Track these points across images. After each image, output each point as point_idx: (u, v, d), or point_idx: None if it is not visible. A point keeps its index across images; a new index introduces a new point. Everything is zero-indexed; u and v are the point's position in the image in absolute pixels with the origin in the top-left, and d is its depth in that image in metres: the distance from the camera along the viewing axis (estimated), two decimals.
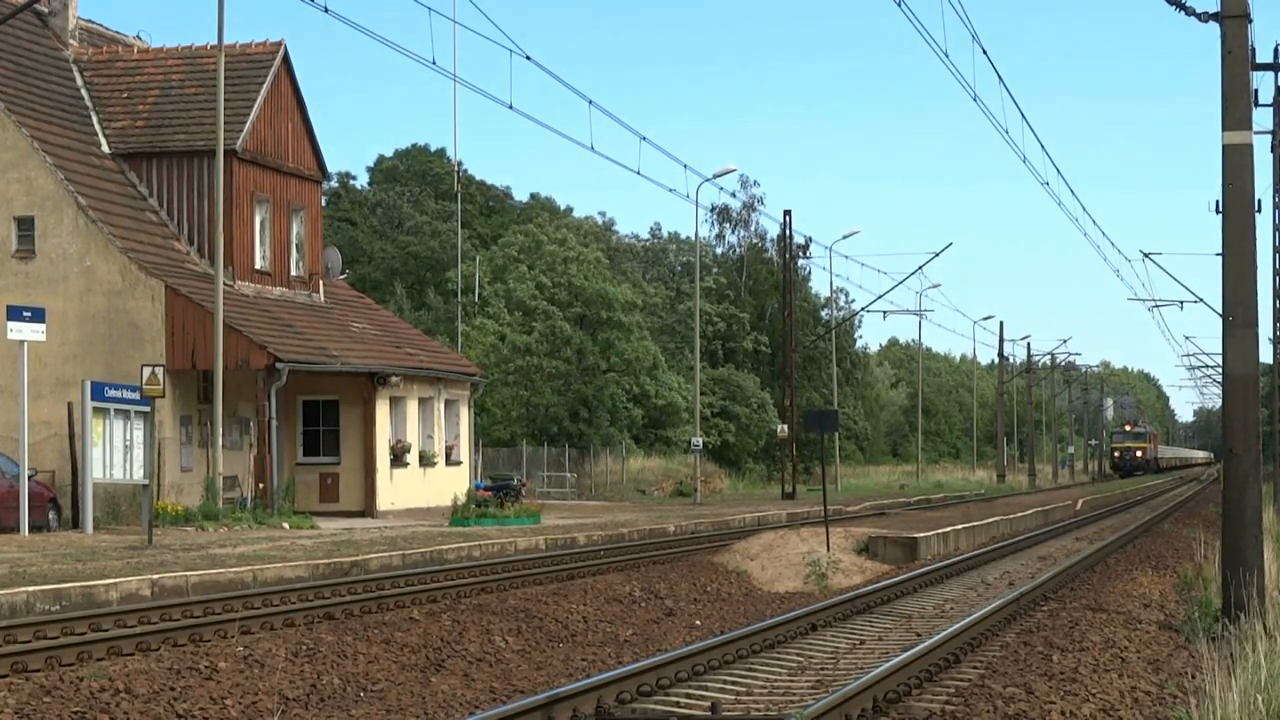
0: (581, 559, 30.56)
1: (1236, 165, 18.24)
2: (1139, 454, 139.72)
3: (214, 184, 41.28)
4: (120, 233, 42.24)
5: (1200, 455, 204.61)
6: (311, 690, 14.56)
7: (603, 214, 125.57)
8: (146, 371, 32.85)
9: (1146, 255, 58.15)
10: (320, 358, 43.35)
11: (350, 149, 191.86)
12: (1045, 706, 12.70)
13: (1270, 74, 40.71)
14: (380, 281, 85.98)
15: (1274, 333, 47.94)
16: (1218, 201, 19.47)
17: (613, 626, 19.79)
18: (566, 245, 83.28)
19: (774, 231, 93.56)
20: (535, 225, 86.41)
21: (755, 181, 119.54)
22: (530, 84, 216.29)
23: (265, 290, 45.80)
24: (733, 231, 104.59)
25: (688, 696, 14.16)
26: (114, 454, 34.84)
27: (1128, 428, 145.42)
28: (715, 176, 62.72)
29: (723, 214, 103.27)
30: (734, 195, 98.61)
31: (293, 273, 47.60)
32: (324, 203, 60.55)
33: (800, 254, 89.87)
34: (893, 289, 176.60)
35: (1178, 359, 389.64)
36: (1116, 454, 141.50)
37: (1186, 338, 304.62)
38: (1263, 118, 41.98)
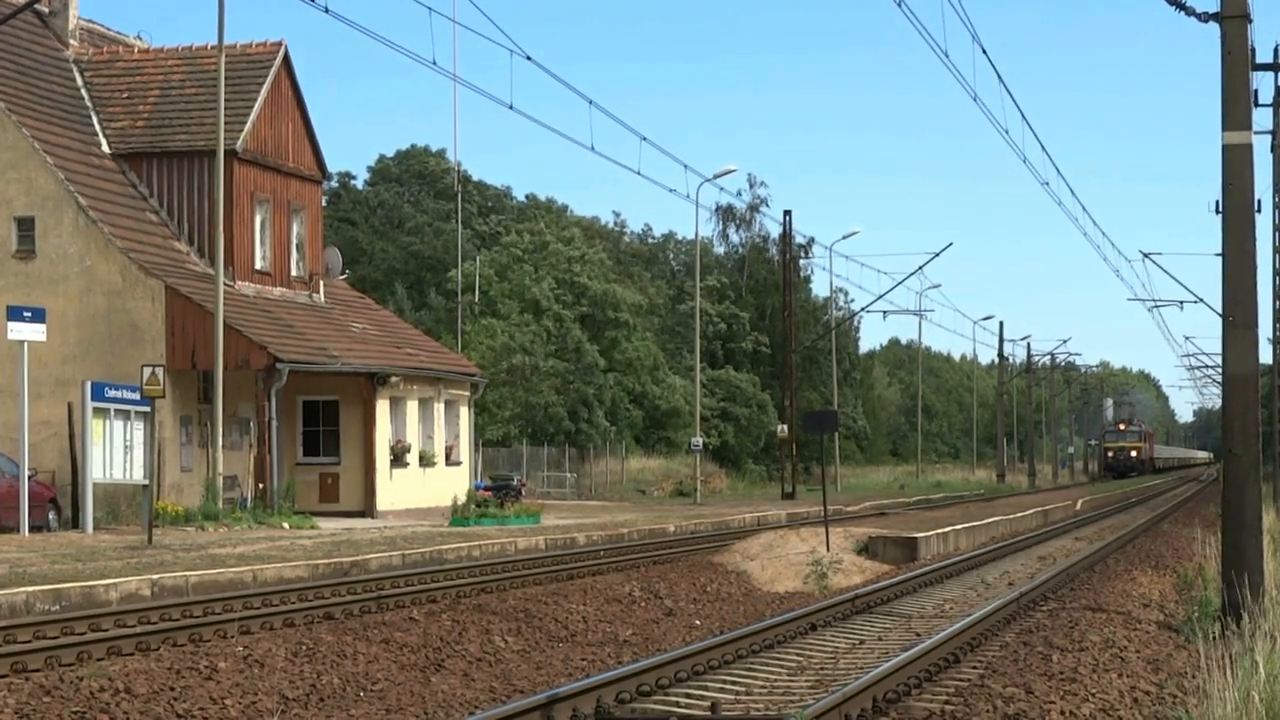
0: (581, 559, 30.56)
1: (1236, 165, 18.24)
2: (1134, 454, 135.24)
3: (214, 184, 41.27)
4: (120, 233, 42.24)
5: (1200, 455, 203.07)
6: (311, 690, 14.57)
7: (616, 214, 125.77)
8: (146, 371, 32.85)
9: (1146, 255, 58.19)
10: (320, 358, 43.35)
11: (350, 149, 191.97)
12: (1045, 706, 12.70)
13: (1270, 74, 40.74)
14: (380, 281, 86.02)
15: (1274, 333, 47.95)
16: (1218, 201, 19.48)
17: (613, 626, 19.80)
18: (573, 245, 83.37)
19: (776, 232, 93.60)
20: (544, 224, 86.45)
21: (762, 182, 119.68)
22: (530, 84, 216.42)
23: (265, 290, 45.81)
24: (736, 231, 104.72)
25: (688, 696, 14.16)
26: (114, 454, 34.85)
27: (1122, 426, 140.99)
28: (715, 177, 62.79)
29: (727, 213, 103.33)
30: (739, 195, 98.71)
31: (293, 273, 47.61)
32: (324, 203, 60.54)
33: (802, 254, 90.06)
34: (893, 289, 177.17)
35: (1178, 359, 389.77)
36: (1110, 454, 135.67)
37: (1186, 338, 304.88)
38: (1263, 118, 42.02)
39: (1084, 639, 16.54)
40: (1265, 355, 43.22)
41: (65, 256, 41.74)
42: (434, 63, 33.63)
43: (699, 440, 68.81)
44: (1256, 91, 36.40)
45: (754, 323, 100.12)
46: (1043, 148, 40.35)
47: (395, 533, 36.28)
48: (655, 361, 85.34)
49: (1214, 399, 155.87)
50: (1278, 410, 48.50)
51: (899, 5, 24.37)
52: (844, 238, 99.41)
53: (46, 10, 47.10)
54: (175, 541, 31.30)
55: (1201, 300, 71.63)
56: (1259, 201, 28.72)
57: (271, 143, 46.38)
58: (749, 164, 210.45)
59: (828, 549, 28.86)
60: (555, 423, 74.98)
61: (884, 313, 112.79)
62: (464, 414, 51.51)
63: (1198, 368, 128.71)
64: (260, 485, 40.79)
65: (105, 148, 45.12)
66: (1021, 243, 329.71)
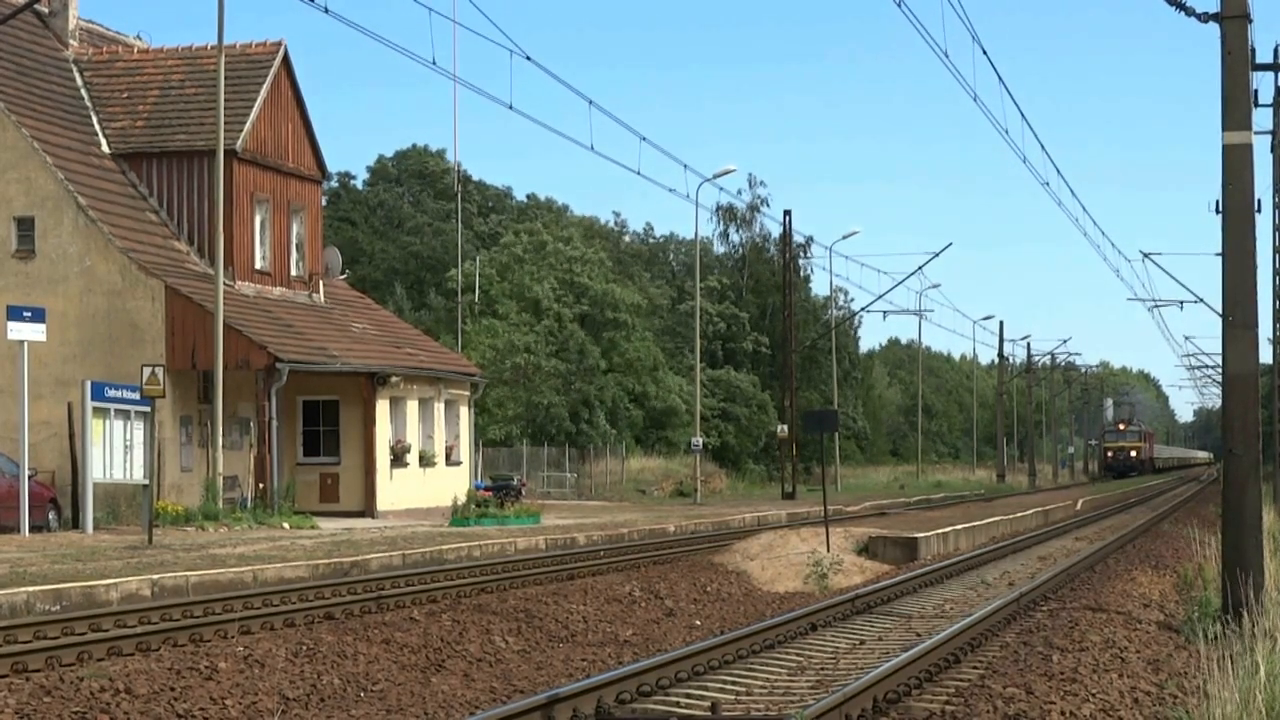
0: (581, 559, 30.56)
1: (1236, 165, 18.23)
2: (1133, 454, 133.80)
3: (214, 184, 41.27)
4: (120, 233, 42.23)
5: (1200, 455, 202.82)
6: (311, 690, 14.57)
7: (616, 214, 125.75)
8: (146, 371, 32.85)
9: (1146, 255, 58.25)
10: (320, 358, 43.35)
11: (350, 149, 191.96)
12: (1045, 706, 12.69)
13: (1270, 74, 40.77)
14: (380, 281, 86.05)
15: (1274, 333, 47.97)
16: (1218, 201, 19.47)
17: (613, 626, 19.80)
18: (571, 245, 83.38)
19: (776, 232, 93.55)
20: (542, 225, 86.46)
21: (761, 181, 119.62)
22: (530, 84, 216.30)
23: (265, 290, 45.80)
24: (737, 231, 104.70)
25: (688, 696, 14.16)
26: (114, 454, 34.84)
27: (1121, 426, 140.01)
28: (715, 177, 62.74)
29: (727, 213, 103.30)
30: (739, 195, 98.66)
31: (293, 273, 47.61)
32: (324, 203, 60.54)
33: (801, 253, 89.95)
34: (892, 289, 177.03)
35: (1178, 359, 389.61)
36: (1109, 454, 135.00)
37: (1186, 338, 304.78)
38: (1263, 118, 42.04)
39: (1084, 639, 16.54)
40: (1265, 355, 43.21)
41: (65, 256, 41.73)
42: (434, 63, 33.65)
43: (699, 440, 68.79)
44: (1256, 91, 36.41)
45: (754, 323, 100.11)
46: (1043, 148, 40.33)
47: (395, 533, 36.28)
48: (655, 362, 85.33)
49: (1214, 399, 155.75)
50: (1278, 410, 48.50)
51: (899, 6, 24.38)
52: (844, 238, 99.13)
53: (46, 10, 47.09)
54: (175, 541, 31.30)
55: (1201, 300, 71.72)
56: (1259, 201, 28.70)
57: (271, 143, 46.38)
58: (749, 165, 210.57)
59: (828, 549, 28.86)
60: (557, 423, 75.01)
61: (884, 313, 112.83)
62: (464, 414, 51.51)
63: (1198, 368, 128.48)
64: (260, 485, 40.78)
65: (105, 147, 45.11)
66: (1021, 243, 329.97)
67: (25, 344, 33.66)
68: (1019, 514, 45.38)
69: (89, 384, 35.06)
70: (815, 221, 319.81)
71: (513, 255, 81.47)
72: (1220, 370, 38.93)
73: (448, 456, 49.85)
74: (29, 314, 34.04)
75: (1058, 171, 75.28)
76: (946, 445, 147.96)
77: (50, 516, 36.22)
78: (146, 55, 48.13)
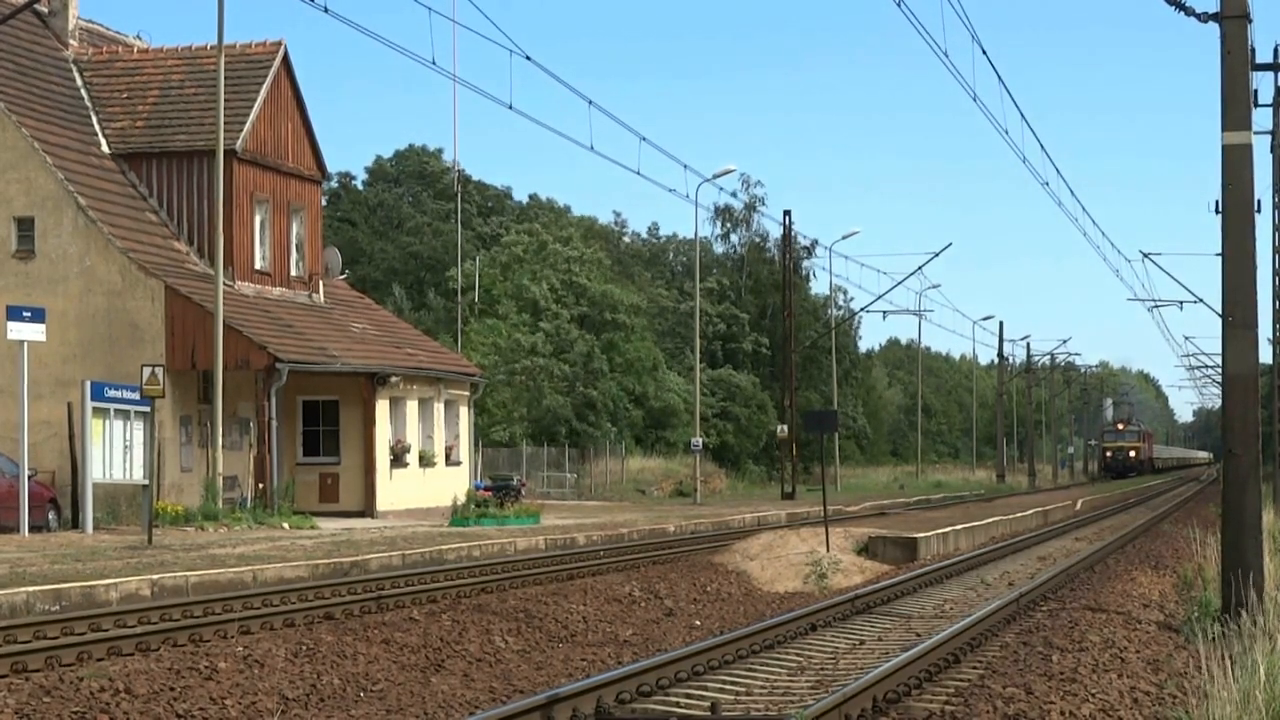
0: (581, 559, 30.56)
1: (1236, 165, 18.23)
2: (1132, 454, 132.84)
3: (214, 184, 41.28)
4: (120, 233, 42.24)
5: (1200, 455, 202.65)
6: (311, 690, 14.57)
7: (617, 214, 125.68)
8: (146, 371, 32.84)
9: (1146, 255, 58.31)
10: (320, 358, 43.35)
11: (350, 149, 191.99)
12: (1045, 706, 12.69)
13: (1270, 74, 40.77)
14: (380, 281, 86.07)
15: (1274, 333, 47.95)
16: (1217, 201, 19.46)
17: (613, 626, 19.80)
18: (571, 245, 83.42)
19: (776, 232, 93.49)
20: (540, 225, 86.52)
21: (758, 181, 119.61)
22: (530, 84, 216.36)
23: (265, 290, 45.80)
24: (735, 231, 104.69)
25: (688, 696, 14.16)
26: (114, 454, 34.84)
27: (1120, 426, 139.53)
28: (715, 177, 62.76)
29: (725, 214, 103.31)
30: (734, 195, 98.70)
31: (292, 273, 47.61)
32: (324, 203, 60.54)
33: (805, 254, 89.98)
34: (892, 289, 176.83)
35: (1178, 359, 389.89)
36: (1108, 454, 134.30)
37: (1186, 338, 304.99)
38: (1263, 118, 42.03)
39: (1084, 639, 16.54)
40: (1265, 355, 43.21)
41: (65, 256, 41.73)
42: (434, 63, 33.65)
43: (699, 440, 68.80)
44: (1256, 91, 36.39)
45: (754, 323, 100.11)
46: (1042, 148, 40.41)
47: (395, 533, 36.28)
48: (655, 362, 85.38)
49: (1214, 399, 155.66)
50: (1278, 410, 48.49)
51: (899, 5, 24.38)
52: (844, 237, 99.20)
53: (46, 10, 47.08)
54: (175, 541, 31.30)
55: (1201, 300, 71.87)
56: (1259, 201, 28.69)
57: (271, 143, 46.38)
58: (749, 166, 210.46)
59: (827, 549, 28.86)
60: (564, 424, 75.05)
61: (884, 313, 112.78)
62: (464, 414, 51.51)
63: (1198, 368, 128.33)
64: (260, 485, 40.78)
65: (105, 148, 45.11)
66: (1021, 243, 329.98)
67: (25, 344, 33.66)
68: (1018, 514, 45.38)
69: (89, 384, 35.06)
70: (815, 222, 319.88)
71: (513, 255, 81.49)
72: (1220, 370, 38.94)
73: (447, 456, 49.85)
74: (29, 314, 34.04)
75: (1057, 171, 75.41)
76: (946, 445, 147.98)
77: (50, 516, 36.22)
78: (146, 55, 48.13)
